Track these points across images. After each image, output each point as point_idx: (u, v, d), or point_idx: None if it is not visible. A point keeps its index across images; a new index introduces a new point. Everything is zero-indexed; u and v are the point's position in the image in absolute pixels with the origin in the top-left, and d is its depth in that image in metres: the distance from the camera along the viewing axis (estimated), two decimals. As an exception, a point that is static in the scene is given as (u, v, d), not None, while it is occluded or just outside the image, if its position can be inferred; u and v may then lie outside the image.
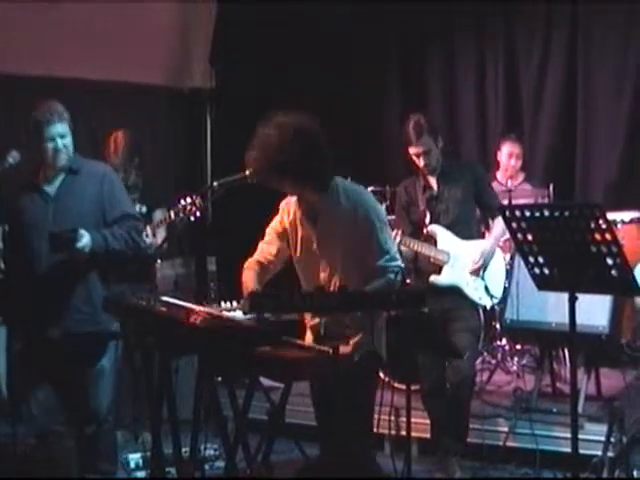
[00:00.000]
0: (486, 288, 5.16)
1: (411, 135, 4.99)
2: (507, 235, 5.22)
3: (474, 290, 5.12)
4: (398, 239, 5.01)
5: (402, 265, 3.98)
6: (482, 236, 5.42)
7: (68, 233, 4.26)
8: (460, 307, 5.08)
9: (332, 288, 3.89)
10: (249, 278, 4.05)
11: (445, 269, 5.09)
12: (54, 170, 4.47)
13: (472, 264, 5.09)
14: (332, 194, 3.94)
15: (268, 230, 4.17)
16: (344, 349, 3.68)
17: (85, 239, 4.29)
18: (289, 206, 4.10)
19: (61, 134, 4.39)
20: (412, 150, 5.04)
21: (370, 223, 3.89)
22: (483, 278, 5.16)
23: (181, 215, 5.20)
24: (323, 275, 3.98)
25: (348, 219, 3.90)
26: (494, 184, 6.66)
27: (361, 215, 3.90)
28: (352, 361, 3.79)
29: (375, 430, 4.37)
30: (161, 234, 5.63)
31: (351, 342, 3.84)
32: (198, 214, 5.19)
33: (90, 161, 4.66)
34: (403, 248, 5.05)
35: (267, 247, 4.16)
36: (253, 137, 3.91)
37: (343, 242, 3.90)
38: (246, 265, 4.15)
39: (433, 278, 5.09)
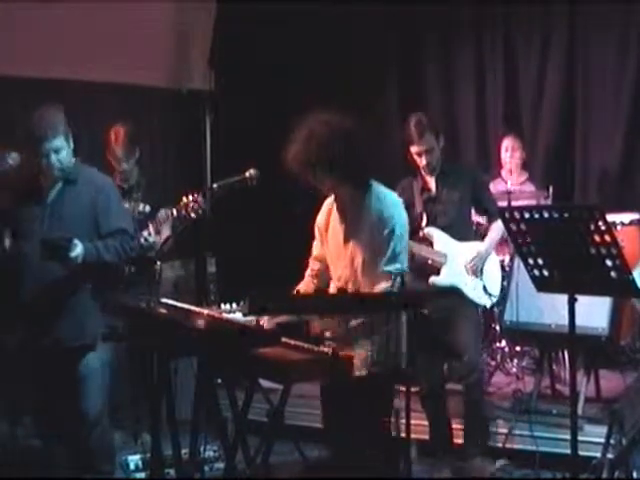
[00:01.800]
0: (484, 288, 5.17)
1: (413, 133, 4.99)
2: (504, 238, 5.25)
3: (473, 290, 5.12)
4: None
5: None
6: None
7: (62, 241, 4.24)
8: (461, 305, 5.08)
9: (351, 286, 3.92)
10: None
11: (444, 270, 5.09)
12: (51, 178, 4.46)
13: (467, 264, 5.10)
14: (365, 194, 3.96)
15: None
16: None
17: (78, 249, 4.27)
18: (322, 211, 4.17)
19: (55, 149, 4.36)
20: (414, 149, 5.04)
21: (391, 229, 3.89)
22: (481, 278, 5.16)
23: (183, 212, 5.20)
24: (346, 271, 3.99)
25: (374, 220, 3.91)
26: (498, 181, 6.68)
27: (385, 219, 3.90)
28: (360, 377, 3.77)
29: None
30: (165, 233, 5.63)
31: (357, 356, 3.77)
32: (200, 212, 5.20)
33: (91, 171, 4.61)
34: None
35: (312, 260, 4.22)
36: (295, 131, 3.88)
37: (366, 242, 3.92)
38: (303, 287, 4.16)
39: (433, 279, 5.08)
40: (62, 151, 4.40)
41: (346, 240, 3.99)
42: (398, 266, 3.87)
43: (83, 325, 4.47)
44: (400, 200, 4.06)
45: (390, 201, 3.98)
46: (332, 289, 4.07)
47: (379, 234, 3.89)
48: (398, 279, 3.83)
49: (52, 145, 4.34)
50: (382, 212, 3.92)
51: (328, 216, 4.12)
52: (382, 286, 3.82)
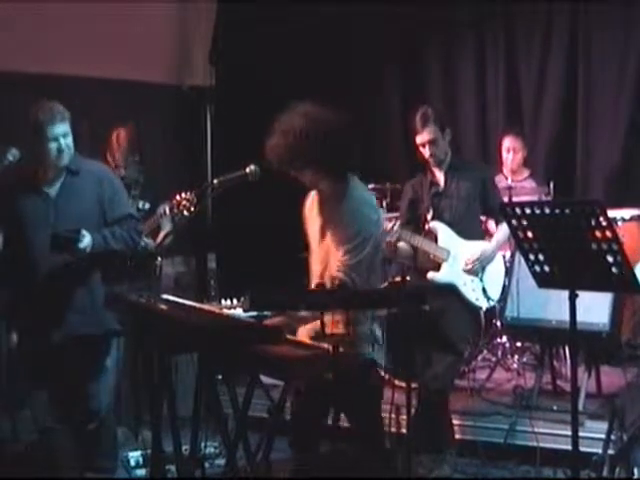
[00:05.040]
0: (484, 290, 5.14)
1: (417, 124, 5.01)
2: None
3: (471, 291, 5.10)
4: (396, 235, 4.99)
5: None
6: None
7: (70, 233, 4.28)
8: (454, 312, 5.04)
9: (326, 280, 3.90)
10: None
11: (444, 267, 5.08)
12: (55, 170, 4.46)
13: (468, 261, 5.07)
14: (344, 190, 3.92)
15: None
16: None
17: (86, 240, 4.30)
18: (306, 207, 4.15)
19: (63, 134, 4.39)
20: (418, 139, 5.04)
21: (352, 235, 3.83)
22: (481, 279, 5.14)
23: (175, 210, 5.23)
24: (320, 267, 4.00)
25: (341, 218, 3.89)
26: (499, 178, 6.67)
27: (353, 224, 3.85)
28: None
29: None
30: (165, 228, 5.64)
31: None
32: (192, 209, 5.21)
33: (90, 161, 4.65)
34: (402, 244, 5.04)
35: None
36: (273, 124, 3.86)
37: (336, 238, 3.91)
38: None
39: (431, 275, 5.07)
40: (69, 137, 4.42)
41: (321, 235, 3.99)
42: (343, 277, 3.79)
43: (99, 317, 4.50)
44: (375, 202, 4.03)
45: (361, 204, 3.92)
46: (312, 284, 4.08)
47: (347, 233, 3.84)
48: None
49: (61, 129, 4.36)
50: (347, 212, 3.87)
51: (312, 207, 4.12)
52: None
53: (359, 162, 3.98)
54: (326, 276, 3.94)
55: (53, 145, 4.37)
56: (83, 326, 4.47)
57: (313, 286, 3.95)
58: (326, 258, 3.97)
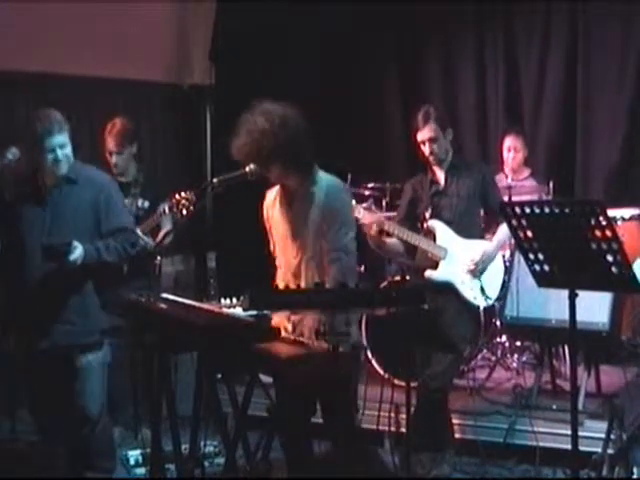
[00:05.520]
0: (482, 289, 5.14)
1: (419, 121, 5.04)
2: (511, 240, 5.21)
3: (469, 289, 5.09)
4: (395, 231, 4.99)
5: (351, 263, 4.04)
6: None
7: (61, 246, 4.25)
8: (453, 310, 5.03)
9: (303, 275, 4.00)
10: None
11: (441, 265, 5.08)
12: (54, 178, 4.45)
13: (471, 263, 5.07)
14: (312, 182, 4.04)
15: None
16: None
17: (77, 252, 4.27)
18: (267, 203, 4.27)
19: (61, 144, 4.37)
20: (419, 137, 5.05)
21: (334, 218, 3.97)
22: (480, 278, 5.14)
23: (174, 210, 5.23)
24: (294, 261, 4.06)
25: (320, 209, 3.99)
26: (499, 177, 6.68)
27: (332, 208, 3.98)
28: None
29: (375, 427, 4.38)
30: (165, 227, 5.64)
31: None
32: (191, 208, 5.21)
33: (91, 169, 4.61)
34: (392, 240, 5.04)
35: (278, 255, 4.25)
36: (238, 124, 3.98)
37: (313, 234, 4.00)
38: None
39: (429, 273, 5.06)
40: (67, 147, 4.41)
41: (294, 232, 4.08)
42: (342, 255, 3.94)
43: (85, 324, 4.49)
44: (345, 185, 4.17)
45: (337, 191, 4.06)
46: (280, 277, 4.14)
47: (325, 225, 3.97)
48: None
49: (58, 140, 4.35)
50: (328, 203, 4.00)
51: (274, 203, 4.22)
52: (330, 277, 3.88)
53: (316, 153, 4.08)
54: (302, 270, 4.02)
55: (50, 156, 4.36)
56: (70, 338, 4.45)
57: (282, 278, 4.08)
58: (301, 253, 4.02)
